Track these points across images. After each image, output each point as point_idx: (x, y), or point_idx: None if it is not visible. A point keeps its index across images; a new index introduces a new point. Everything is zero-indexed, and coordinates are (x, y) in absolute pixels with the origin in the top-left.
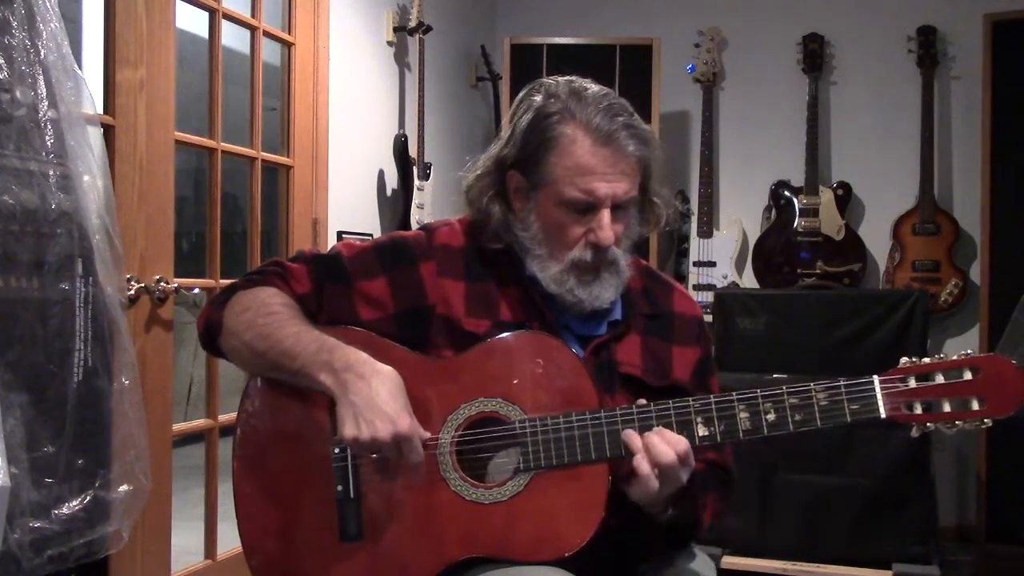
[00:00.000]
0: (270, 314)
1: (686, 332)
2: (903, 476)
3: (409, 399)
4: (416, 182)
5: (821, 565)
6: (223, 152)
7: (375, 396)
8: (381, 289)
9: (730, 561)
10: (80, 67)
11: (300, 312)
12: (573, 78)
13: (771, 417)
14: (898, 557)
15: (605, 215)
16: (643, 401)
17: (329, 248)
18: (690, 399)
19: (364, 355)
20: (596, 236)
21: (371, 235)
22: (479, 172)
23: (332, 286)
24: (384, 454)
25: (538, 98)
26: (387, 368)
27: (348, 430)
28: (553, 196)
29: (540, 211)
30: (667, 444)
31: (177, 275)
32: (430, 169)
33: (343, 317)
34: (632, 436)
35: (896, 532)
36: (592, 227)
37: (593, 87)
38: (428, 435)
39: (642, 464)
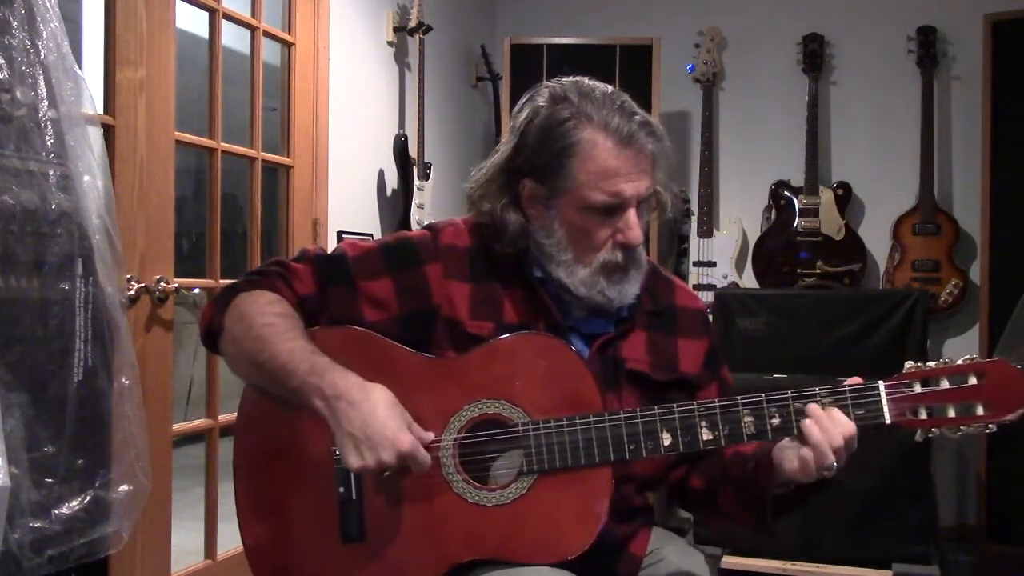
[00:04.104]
0: (265, 325)
1: (690, 325)
2: (903, 476)
3: (411, 400)
4: (416, 182)
5: (821, 565)
6: (223, 152)
7: (371, 421)
8: (386, 290)
9: (730, 561)
10: (80, 67)
11: (296, 321)
12: (576, 79)
13: (776, 422)
14: (898, 557)
15: (632, 214)
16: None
17: (334, 247)
18: (695, 403)
19: (353, 377)
20: (626, 236)
21: (371, 235)
22: (484, 181)
23: (336, 287)
24: (393, 472)
25: (543, 102)
26: (377, 388)
27: (353, 461)
28: (577, 201)
29: (563, 217)
30: (841, 425)
31: (177, 275)
32: (430, 169)
33: (346, 318)
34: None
35: (896, 532)
36: (619, 227)
37: (599, 85)
38: (431, 436)
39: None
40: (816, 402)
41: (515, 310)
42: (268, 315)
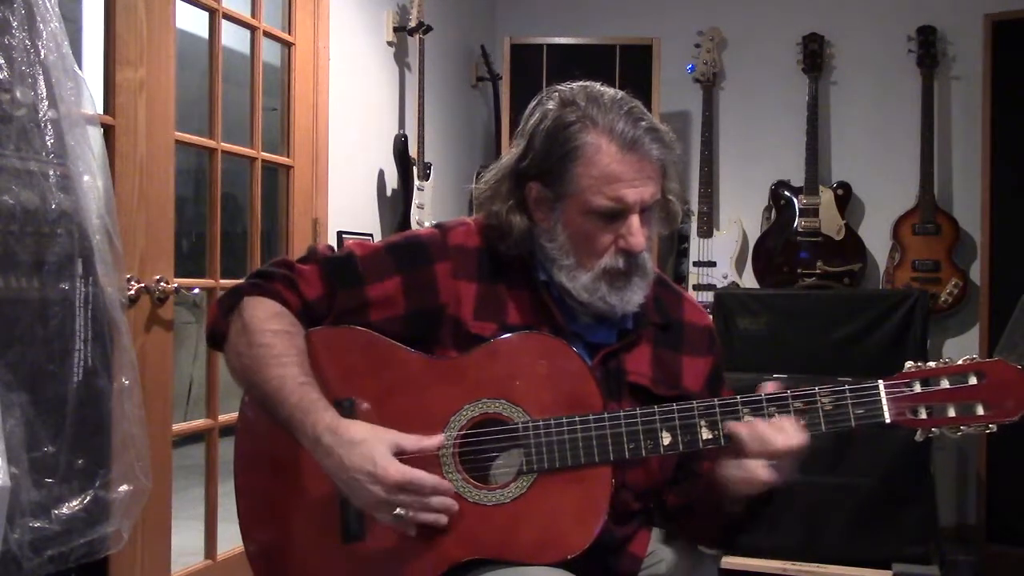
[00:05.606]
0: (262, 345)
1: (696, 342)
2: (903, 476)
3: (412, 400)
4: (416, 182)
5: (821, 565)
6: (223, 152)
7: (347, 464)
8: (394, 289)
9: (730, 561)
10: (80, 67)
11: (295, 339)
12: (586, 83)
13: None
14: (898, 557)
15: (635, 221)
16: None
17: (342, 247)
18: (694, 402)
19: (329, 418)
20: (627, 243)
21: (371, 235)
22: (493, 183)
23: (345, 289)
24: (408, 506)
25: (552, 106)
26: (352, 427)
27: (359, 501)
28: (580, 206)
29: (566, 221)
30: (782, 432)
31: (177, 275)
32: (430, 169)
33: (352, 319)
34: (737, 425)
35: (896, 532)
36: (622, 233)
37: (608, 91)
38: (439, 439)
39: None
40: (815, 399)
41: (519, 312)
42: (267, 333)
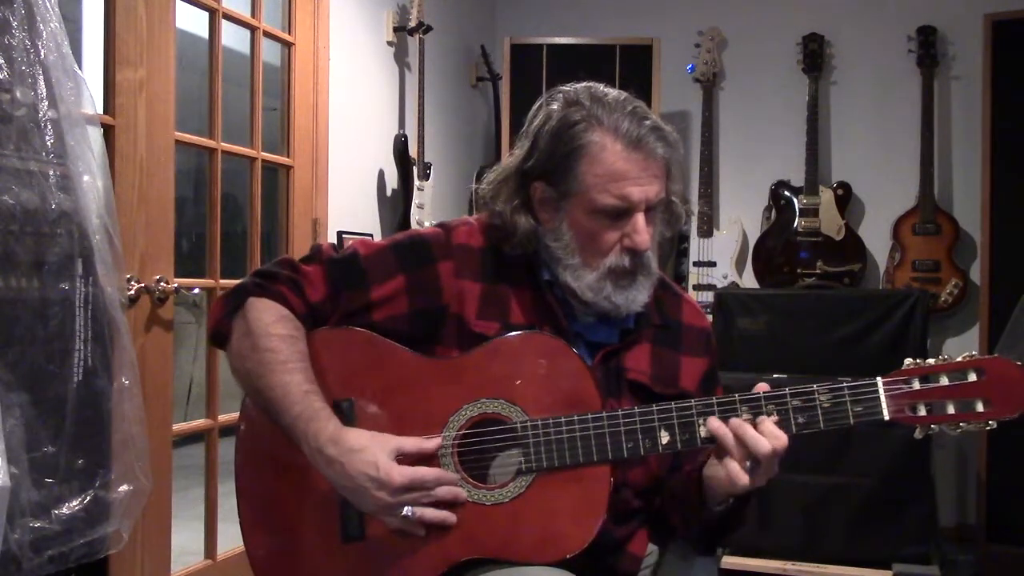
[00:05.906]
0: (267, 350)
1: (694, 343)
2: (903, 476)
3: (411, 400)
4: (416, 182)
5: (821, 565)
6: (223, 152)
7: (351, 472)
8: (398, 288)
9: (730, 561)
10: (80, 67)
11: (299, 344)
12: (590, 84)
13: (774, 419)
14: (898, 557)
15: (640, 219)
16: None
17: (346, 247)
18: (692, 400)
19: (332, 428)
20: (633, 241)
21: (371, 235)
22: (497, 183)
23: (349, 291)
24: (418, 503)
25: (557, 106)
26: (351, 436)
27: (366, 508)
28: (586, 204)
29: (572, 220)
30: (765, 435)
31: (177, 275)
32: (430, 169)
33: (356, 319)
34: (718, 425)
35: (896, 532)
36: (627, 232)
37: (612, 91)
38: (438, 441)
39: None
40: (813, 397)
41: (522, 312)
42: (272, 337)
